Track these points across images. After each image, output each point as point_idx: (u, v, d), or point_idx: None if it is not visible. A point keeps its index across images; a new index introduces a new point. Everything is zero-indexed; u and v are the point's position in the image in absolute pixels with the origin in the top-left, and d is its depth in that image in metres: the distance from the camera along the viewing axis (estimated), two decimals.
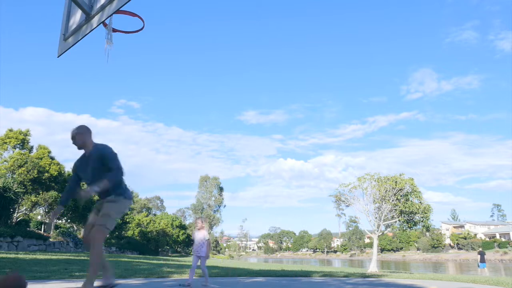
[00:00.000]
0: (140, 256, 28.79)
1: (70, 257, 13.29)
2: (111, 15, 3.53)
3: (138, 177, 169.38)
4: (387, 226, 21.83)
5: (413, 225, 20.91)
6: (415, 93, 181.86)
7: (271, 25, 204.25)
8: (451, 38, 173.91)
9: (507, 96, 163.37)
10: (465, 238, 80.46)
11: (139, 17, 4.16)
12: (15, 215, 23.22)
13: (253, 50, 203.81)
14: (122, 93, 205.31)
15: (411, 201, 20.24)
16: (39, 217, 30.80)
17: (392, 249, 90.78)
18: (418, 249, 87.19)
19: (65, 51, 4.02)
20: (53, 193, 23.50)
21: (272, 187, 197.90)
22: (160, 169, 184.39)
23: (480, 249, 28.19)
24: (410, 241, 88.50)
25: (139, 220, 51.16)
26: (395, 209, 20.06)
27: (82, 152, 4.10)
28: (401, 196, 20.12)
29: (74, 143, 4.05)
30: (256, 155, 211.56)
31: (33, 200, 22.97)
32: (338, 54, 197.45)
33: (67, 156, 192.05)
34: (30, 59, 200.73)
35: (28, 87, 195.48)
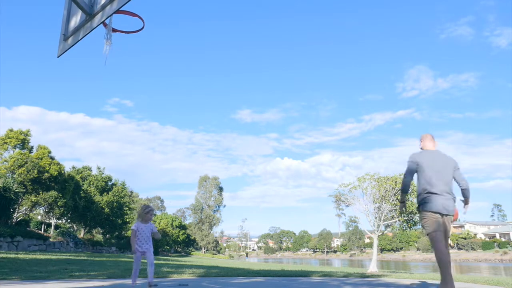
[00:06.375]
0: None
1: (70, 257, 13.30)
2: (111, 15, 3.53)
3: (135, 177, 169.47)
4: (387, 226, 21.82)
5: (413, 225, 20.89)
6: (411, 90, 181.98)
7: (265, 24, 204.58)
8: (446, 34, 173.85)
9: (505, 94, 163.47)
10: (465, 238, 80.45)
11: (139, 17, 4.16)
12: (15, 215, 23.22)
13: (247, 49, 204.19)
14: (115, 92, 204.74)
15: (411, 201, 20.23)
16: (39, 217, 30.79)
17: (392, 249, 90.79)
18: (418, 249, 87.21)
19: (65, 51, 4.02)
20: (53, 193, 23.49)
21: (269, 187, 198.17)
22: (157, 168, 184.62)
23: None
24: (410, 241, 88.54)
25: None
26: (395, 209, 20.06)
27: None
28: None
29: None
30: (253, 154, 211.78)
31: (33, 200, 22.96)
32: (332, 52, 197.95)
33: (63, 156, 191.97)
34: (24, 58, 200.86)
35: (21, 86, 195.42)
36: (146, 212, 4.64)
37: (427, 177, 4.45)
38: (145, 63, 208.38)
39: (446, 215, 4.36)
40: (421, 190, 4.49)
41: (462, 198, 4.64)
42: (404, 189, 4.83)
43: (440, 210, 4.32)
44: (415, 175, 4.66)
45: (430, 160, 4.54)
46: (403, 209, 4.94)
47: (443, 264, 4.23)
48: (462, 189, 4.59)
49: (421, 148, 4.87)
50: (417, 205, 4.66)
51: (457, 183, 4.57)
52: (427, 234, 4.48)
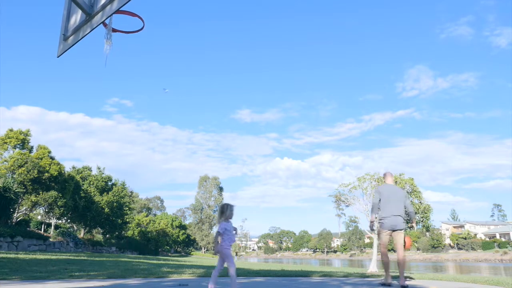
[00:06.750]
0: (140, 256, 28.80)
1: (70, 257, 13.30)
2: (111, 15, 3.53)
3: (135, 177, 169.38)
4: None
5: None
6: (411, 90, 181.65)
7: (265, 24, 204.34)
8: (446, 34, 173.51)
9: (505, 94, 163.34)
10: (465, 238, 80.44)
11: (139, 17, 4.16)
12: (15, 215, 23.21)
13: (247, 49, 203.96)
14: (114, 92, 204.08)
15: (411, 201, 20.24)
16: (39, 217, 30.78)
17: (392, 249, 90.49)
18: (418, 249, 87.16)
19: (65, 51, 4.02)
20: (53, 193, 23.48)
21: (269, 187, 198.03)
22: (157, 168, 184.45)
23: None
24: None
25: (139, 220, 51.18)
26: None
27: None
28: None
29: None
30: (253, 154, 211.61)
31: (33, 200, 22.96)
32: (332, 52, 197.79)
33: (62, 156, 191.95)
34: (24, 58, 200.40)
35: (21, 86, 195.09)
36: (231, 209, 4.58)
37: (385, 203, 6.19)
38: (145, 63, 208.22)
39: (395, 230, 6.11)
40: (381, 212, 6.23)
41: (408, 217, 6.46)
42: (373, 211, 6.42)
43: (391, 227, 6.11)
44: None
45: (388, 191, 6.28)
46: (373, 228, 6.68)
47: (385, 264, 6.26)
48: (408, 212, 6.31)
49: (384, 182, 6.67)
50: (378, 221, 6.36)
51: (405, 207, 6.28)
52: (380, 244, 6.34)
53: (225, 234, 4.45)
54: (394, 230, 6.12)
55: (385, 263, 6.24)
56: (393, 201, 6.14)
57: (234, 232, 4.53)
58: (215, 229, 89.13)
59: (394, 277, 6.62)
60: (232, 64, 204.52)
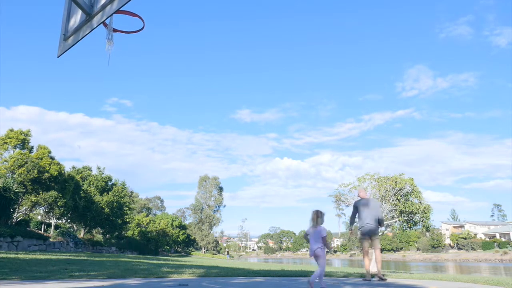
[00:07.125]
0: (140, 256, 28.78)
1: (70, 257, 13.29)
2: (111, 15, 3.53)
3: (135, 177, 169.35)
4: (387, 226, 21.83)
5: (413, 225, 20.92)
6: (411, 90, 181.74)
7: (265, 24, 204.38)
8: (446, 33, 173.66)
9: (505, 94, 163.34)
10: (465, 238, 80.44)
11: (139, 17, 4.16)
12: (15, 215, 23.21)
13: (247, 49, 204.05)
14: (114, 92, 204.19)
15: (411, 201, 20.25)
16: (39, 217, 30.77)
17: (392, 249, 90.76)
18: (418, 249, 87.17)
19: (65, 51, 4.02)
20: (53, 193, 23.48)
21: (269, 187, 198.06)
22: (157, 168, 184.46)
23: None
24: (410, 241, 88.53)
25: (139, 220, 51.18)
26: (395, 209, 20.08)
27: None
28: (401, 196, 20.13)
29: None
30: (253, 154, 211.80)
31: (33, 200, 22.95)
32: (332, 52, 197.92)
33: (62, 156, 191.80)
34: (24, 58, 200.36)
35: (20, 86, 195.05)
36: (323, 216, 4.99)
37: (362, 214, 7.43)
38: (144, 63, 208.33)
39: (372, 236, 7.38)
40: (360, 222, 7.49)
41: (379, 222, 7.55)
42: (351, 222, 7.89)
43: (368, 234, 7.38)
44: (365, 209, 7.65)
45: (364, 204, 7.50)
46: (351, 235, 8.27)
47: (365, 262, 7.49)
48: (379, 219, 7.48)
49: (359, 196, 7.89)
50: (358, 229, 7.57)
51: (378, 216, 7.45)
52: (362, 248, 7.63)
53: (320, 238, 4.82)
54: (370, 236, 7.38)
55: (365, 263, 7.51)
56: (367, 212, 7.39)
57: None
58: (215, 229, 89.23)
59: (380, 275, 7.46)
60: (232, 64, 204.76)
